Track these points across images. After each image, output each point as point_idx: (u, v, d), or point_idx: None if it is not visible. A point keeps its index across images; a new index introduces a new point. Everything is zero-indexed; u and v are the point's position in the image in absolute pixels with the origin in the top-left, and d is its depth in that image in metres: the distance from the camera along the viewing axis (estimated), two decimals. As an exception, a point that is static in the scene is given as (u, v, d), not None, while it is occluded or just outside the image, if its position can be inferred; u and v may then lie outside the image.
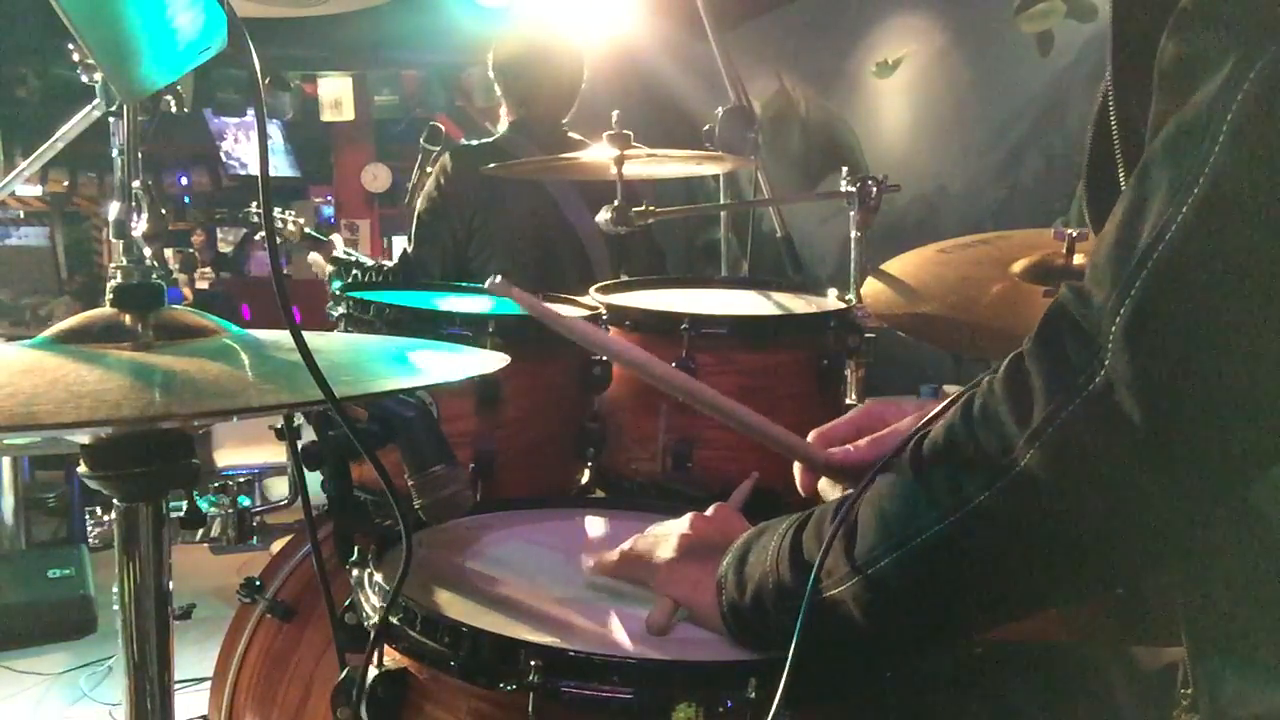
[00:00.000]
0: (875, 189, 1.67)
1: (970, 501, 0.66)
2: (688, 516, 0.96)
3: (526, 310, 0.88)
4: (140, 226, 0.87)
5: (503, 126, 2.71)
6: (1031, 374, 0.64)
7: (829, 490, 0.95)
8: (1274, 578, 0.63)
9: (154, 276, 0.87)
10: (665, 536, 0.94)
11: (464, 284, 1.78)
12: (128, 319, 0.85)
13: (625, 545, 0.96)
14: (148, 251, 0.86)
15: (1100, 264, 0.61)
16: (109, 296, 0.86)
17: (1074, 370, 0.61)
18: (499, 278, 0.87)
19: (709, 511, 0.98)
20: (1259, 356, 0.56)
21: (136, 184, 0.88)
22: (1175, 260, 0.57)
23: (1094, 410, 0.60)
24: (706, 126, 2.15)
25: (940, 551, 0.69)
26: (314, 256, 3.20)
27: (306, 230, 3.33)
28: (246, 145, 7.47)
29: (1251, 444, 0.59)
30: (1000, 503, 0.65)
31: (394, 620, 0.87)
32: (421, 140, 3.23)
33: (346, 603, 0.98)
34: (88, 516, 4.39)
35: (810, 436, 0.96)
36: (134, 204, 0.88)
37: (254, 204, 4.33)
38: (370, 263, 3.09)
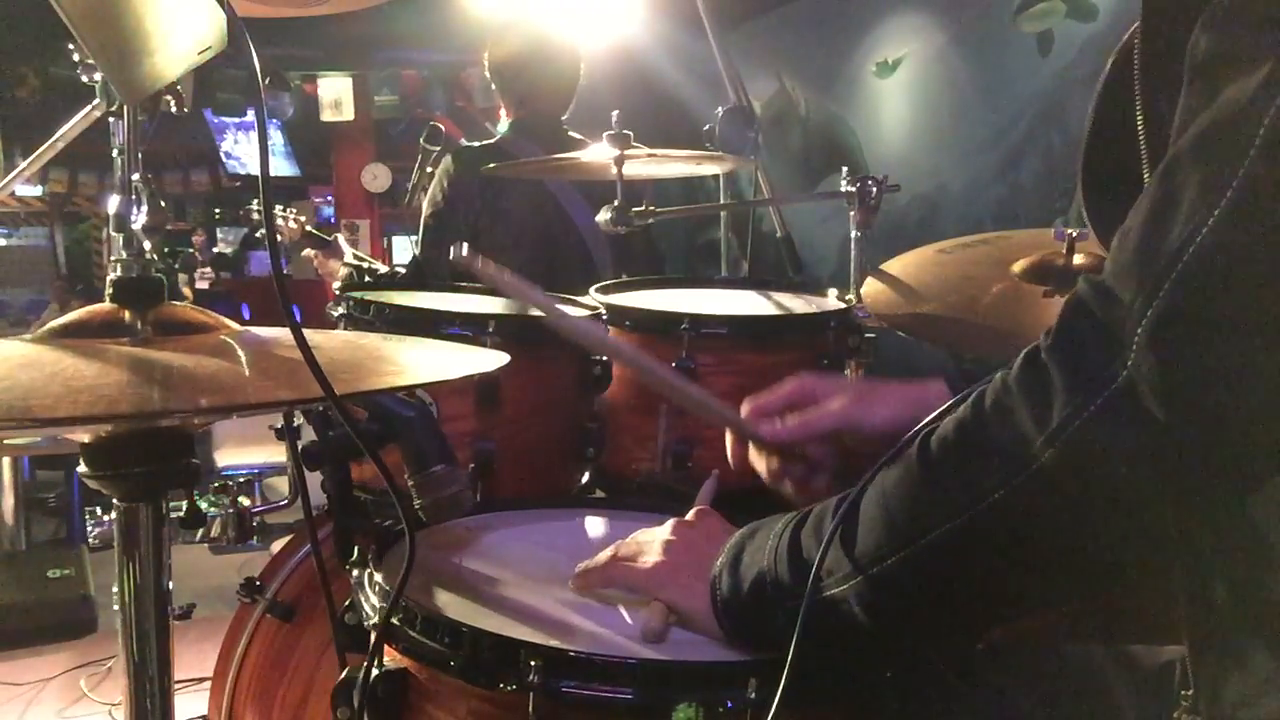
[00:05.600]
0: (875, 189, 1.67)
1: (985, 499, 0.66)
2: (670, 521, 0.96)
3: (490, 283, 0.90)
4: (140, 219, 0.87)
5: (503, 127, 2.72)
6: (1051, 371, 0.63)
7: (758, 460, 1.01)
8: (1272, 585, 0.63)
9: (154, 270, 0.87)
10: (649, 542, 0.94)
11: (463, 284, 1.78)
12: (127, 314, 0.85)
13: (607, 553, 0.96)
14: (147, 245, 0.86)
15: (1125, 262, 0.60)
16: (108, 291, 0.86)
17: (1096, 369, 0.60)
18: (465, 246, 0.89)
19: (690, 515, 0.98)
20: None
21: (136, 176, 0.88)
22: (1206, 264, 0.56)
23: (1115, 410, 0.59)
24: (706, 126, 2.15)
25: (950, 550, 0.69)
26: (330, 264, 3.19)
27: (308, 228, 3.33)
28: (246, 145, 7.46)
29: (1273, 444, 0.59)
30: (1015, 500, 0.65)
31: (394, 620, 0.87)
32: (421, 140, 3.23)
33: (346, 603, 0.98)
34: (88, 516, 4.40)
35: (745, 405, 1.00)
36: (134, 196, 0.88)
37: (254, 202, 4.33)
38: (384, 269, 3.10)
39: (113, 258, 0.85)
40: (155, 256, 0.86)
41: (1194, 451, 0.59)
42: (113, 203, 0.87)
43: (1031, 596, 0.74)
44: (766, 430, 0.98)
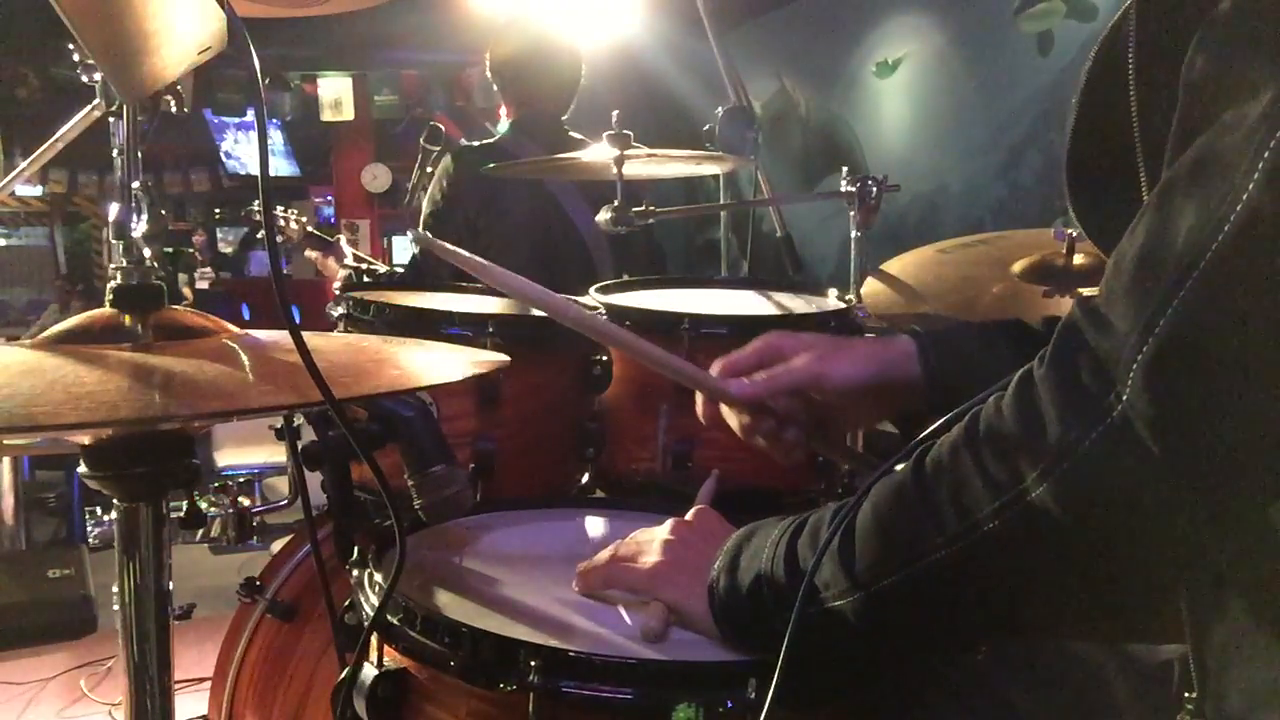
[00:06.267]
0: (875, 189, 1.67)
1: (979, 528, 0.65)
2: (669, 521, 0.96)
3: (456, 263, 0.92)
4: (140, 227, 0.87)
5: (503, 127, 2.72)
6: (1044, 401, 0.62)
7: (730, 417, 1.02)
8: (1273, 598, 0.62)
9: (154, 277, 0.87)
10: (649, 542, 0.94)
11: (463, 284, 1.78)
12: (127, 319, 0.85)
13: (607, 553, 0.96)
14: (148, 252, 0.86)
15: (1120, 291, 0.59)
16: (109, 297, 0.86)
17: (1090, 402, 0.59)
18: (425, 233, 0.91)
19: (689, 515, 0.98)
20: None
21: (136, 185, 0.88)
22: (1204, 298, 0.54)
23: (1110, 444, 0.58)
24: (706, 126, 2.15)
25: (946, 575, 0.68)
26: (330, 263, 3.19)
27: (310, 229, 3.33)
28: (246, 145, 7.46)
29: (1272, 477, 0.58)
30: (1009, 531, 0.64)
31: (394, 620, 0.87)
32: (421, 140, 3.23)
33: (346, 603, 0.98)
34: (88, 516, 4.39)
35: (715, 365, 1.02)
36: (134, 204, 0.88)
37: (255, 203, 4.33)
38: (383, 269, 3.10)
39: (113, 265, 0.86)
40: (156, 264, 0.86)
41: (1191, 485, 0.58)
42: (113, 210, 0.87)
43: (1032, 617, 0.74)
44: (735, 388, 0.99)
